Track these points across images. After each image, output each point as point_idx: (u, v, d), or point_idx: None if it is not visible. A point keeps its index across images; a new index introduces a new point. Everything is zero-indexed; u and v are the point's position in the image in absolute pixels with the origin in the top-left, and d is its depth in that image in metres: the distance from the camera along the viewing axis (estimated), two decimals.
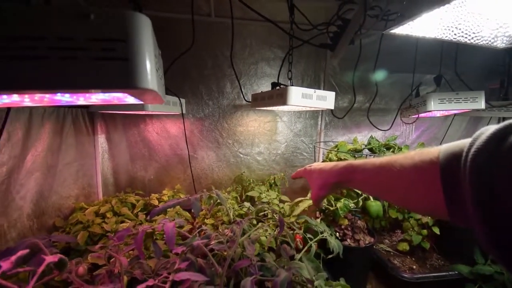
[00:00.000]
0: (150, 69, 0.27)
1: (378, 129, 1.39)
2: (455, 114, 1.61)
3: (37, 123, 0.93)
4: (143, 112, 1.16)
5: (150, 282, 0.44)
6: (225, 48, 1.36)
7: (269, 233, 0.93)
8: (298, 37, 1.12)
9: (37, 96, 0.34)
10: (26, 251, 0.40)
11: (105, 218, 1.05)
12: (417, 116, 1.31)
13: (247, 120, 1.50)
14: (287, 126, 1.56)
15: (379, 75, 1.48)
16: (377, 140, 1.14)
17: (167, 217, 1.06)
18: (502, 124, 0.28)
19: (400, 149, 1.06)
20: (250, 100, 1.34)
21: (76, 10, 0.24)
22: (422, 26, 0.64)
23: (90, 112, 1.24)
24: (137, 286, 0.49)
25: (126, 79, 0.26)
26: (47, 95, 0.34)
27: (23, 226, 0.88)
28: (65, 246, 0.91)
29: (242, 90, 1.41)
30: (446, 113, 1.43)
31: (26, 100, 0.38)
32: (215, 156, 1.50)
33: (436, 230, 1.10)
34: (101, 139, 1.32)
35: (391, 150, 1.08)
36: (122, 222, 1.06)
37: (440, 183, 0.32)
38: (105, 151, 1.35)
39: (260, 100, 1.12)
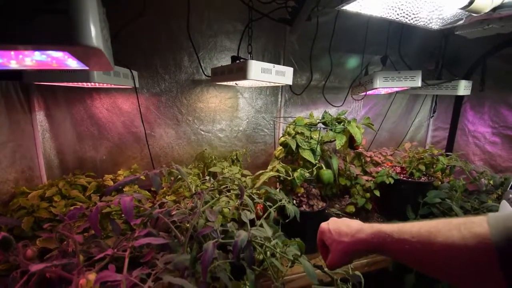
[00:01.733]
0: (94, 24, 0.25)
1: (332, 105, 1.48)
2: (396, 92, 1.79)
3: None
4: (89, 85, 1.06)
5: (109, 251, 0.43)
6: (180, 19, 1.27)
7: (231, 205, 0.96)
8: (258, 9, 1.11)
9: None
10: None
11: (52, 202, 0.97)
12: (365, 93, 1.43)
13: (208, 96, 1.47)
14: (248, 103, 1.57)
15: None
16: (330, 115, 1.22)
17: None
18: None
19: (349, 122, 1.16)
20: (210, 75, 1.31)
21: None
22: (370, 5, 0.68)
23: (24, 85, 1.08)
24: (94, 264, 0.48)
25: (66, 33, 0.23)
26: None
27: None
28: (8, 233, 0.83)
29: (202, 64, 1.36)
30: (389, 90, 1.58)
31: None
32: (175, 133, 1.45)
33: (377, 193, 1.26)
34: (40, 116, 1.18)
35: (341, 123, 1.17)
36: (73, 205, 0.99)
37: (498, 265, 0.28)
38: (45, 130, 1.20)
39: (220, 75, 1.10)
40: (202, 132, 1.51)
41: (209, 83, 1.44)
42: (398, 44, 1.52)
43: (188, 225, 0.71)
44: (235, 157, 1.46)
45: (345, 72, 1.70)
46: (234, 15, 1.38)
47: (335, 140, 1.11)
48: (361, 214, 1.35)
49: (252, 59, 0.98)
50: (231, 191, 1.03)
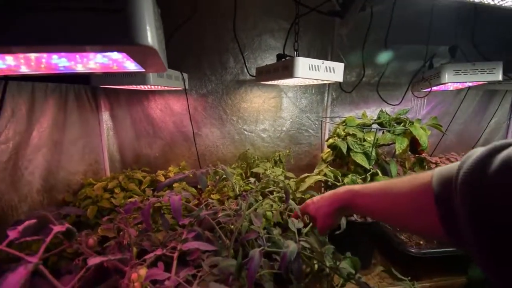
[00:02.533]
0: (149, 24, 0.25)
1: (388, 103, 1.34)
2: (469, 88, 1.55)
3: (41, 99, 0.92)
4: (145, 88, 1.14)
5: (159, 252, 0.44)
6: (226, 19, 1.29)
7: (275, 208, 0.94)
8: (305, 4, 1.05)
9: (33, 61, 0.32)
10: (33, 221, 0.40)
11: (113, 193, 1.06)
12: (429, 89, 1.26)
13: (251, 96, 1.46)
14: (292, 102, 1.52)
15: (384, 57, 1.41)
16: (388, 114, 1.10)
17: (173, 191, 1.07)
18: (488, 146, 0.29)
19: (411, 123, 1.02)
20: (255, 75, 1.30)
21: None
22: None
23: (93, 88, 1.21)
24: (146, 255, 0.50)
25: (123, 33, 0.23)
26: (44, 60, 0.32)
27: (33, 201, 0.89)
28: (75, 220, 0.93)
29: (246, 64, 1.36)
30: (460, 86, 1.37)
31: (22, 67, 0.36)
32: (219, 133, 1.48)
33: None
34: (105, 116, 1.31)
35: (401, 124, 1.04)
36: (130, 197, 1.08)
37: (435, 208, 0.34)
38: (110, 128, 1.34)
39: (265, 74, 1.08)
40: (246, 132, 1.52)
41: (253, 83, 1.43)
42: (471, 31, 1.30)
43: (232, 226, 0.70)
44: (278, 158, 1.43)
45: (403, 66, 1.53)
46: (279, 12, 1.35)
47: (393, 143, 1.00)
48: None
49: (299, 56, 0.94)
50: (274, 193, 1.00)
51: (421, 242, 1.06)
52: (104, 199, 1.01)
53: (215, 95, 1.42)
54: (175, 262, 0.44)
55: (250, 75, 1.38)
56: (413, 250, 0.98)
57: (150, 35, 0.25)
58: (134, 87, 1.06)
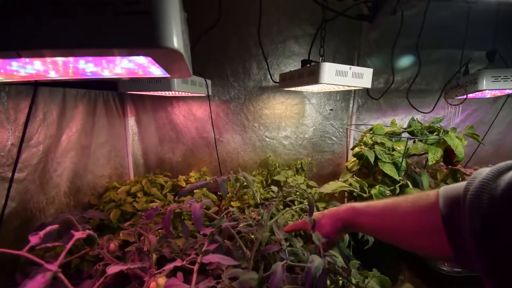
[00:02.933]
0: (175, 26, 0.24)
1: (419, 111, 1.26)
2: (508, 95, 1.42)
3: (71, 105, 0.96)
4: (170, 94, 1.16)
5: (178, 263, 0.43)
6: (251, 26, 1.29)
7: (296, 218, 0.90)
8: (332, 8, 1.03)
9: (61, 66, 0.32)
10: (55, 226, 0.40)
11: (136, 197, 1.08)
12: (465, 96, 1.16)
13: (274, 103, 1.45)
14: (315, 109, 1.48)
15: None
16: (419, 123, 1.03)
17: (194, 198, 1.07)
18: (493, 167, 0.29)
19: (446, 132, 0.95)
20: (278, 81, 1.28)
21: None
22: None
23: (120, 95, 1.26)
24: (165, 265, 0.49)
25: (149, 35, 0.22)
26: (71, 65, 0.32)
27: (60, 203, 0.93)
28: (99, 223, 0.95)
29: (270, 70, 1.35)
30: (498, 93, 1.26)
31: (51, 72, 0.37)
32: (241, 139, 1.48)
33: None
34: (131, 121, 1.35)
35: (435, 133, 0.97)
36: (152, 201, 1.09)
37: (443, 229, 0.33)
38: (135, 133, 1.38)
39: (288, 80, 1.06)
40: (267, 139, 1.49)
41: (275, 90, 1.42)
42: (511, 35, 1.20)
43: (252, 236, 0.68)
44: (299, 166, 1.39)
45: (436, 72, 1.44)
46: (304, 18, 1.33)
47: (425, 153, 0.92)
48: None
49: (325, 61, 0.90)
50: (296, 202, 0.97)
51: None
52: (127, 203, 1.02)
53: (238, 101, 1.42)
54: (195, 275, 0.42)
55: (273, 81, 1.37)
56: (445, 268, 0.90)
57: (176, 39, 0.24)
58: (159, 93, 1.09)
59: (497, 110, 1.53)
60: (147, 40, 0.22)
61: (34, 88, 0.74)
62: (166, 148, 1.44)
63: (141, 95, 1.27)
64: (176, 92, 1.06)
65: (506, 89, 1.12)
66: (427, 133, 0.97)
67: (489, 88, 1.07)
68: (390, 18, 1.09)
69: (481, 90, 1.08)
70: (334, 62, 1.37)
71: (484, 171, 0.30)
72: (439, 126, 1.00)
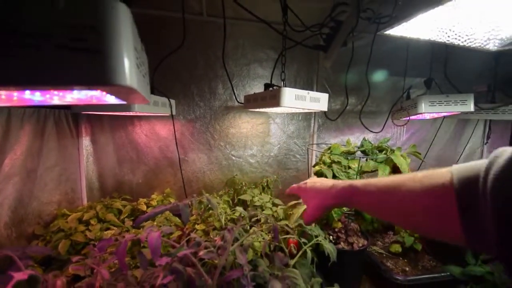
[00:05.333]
0: (128, 63, 0.24)
1: (370, 131, 1.38)
2: (444, 117, 1.64)
3: (16, 125, 0.88)
4: (131, 113, 1.12)
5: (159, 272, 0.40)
6: (217, 48, 1.33)
7: (263, 238, 0.90)
8: (291, 38, 1.11)
9: (3, 94, 0.30)
10: None
11: (89, 225, 1.00)
12: (408, 118, 1.32)
13: (240, 122, 1.47)
14: (280, 128, 1.54)
15: (377, 76, 1.50)
16: (370, 142, 1.13)
17: (155, 223, 1.02)
18: None
19: (392, 151, 1.06)
20: (243, 102, 1.31)
21: None
22: (416, 28, 0.63)
23: (74, 113, 1.18)
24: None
25: (99, 74, 0.22)
26: (15, 93, 0.30)
27: (0, 235, 0.82)
28: (45, 256, 0.86)
29: (235, 91, 1.38)
30: (435, 115, 1.44)
31: None
32: (207, 158, 1.46)
33: None
34: (86, 141, 1.26)
35: (383, 152, 1.07)
36: (107, 229, 1.01)
37: (457, 209, 0.31)
38: (90, 154, 1.29)
39: (252, 102, 1.10)
40: (233, 157, 1.50)
41: (241, 109, 1.45)
42: (444, 65, 1.41)
43: (216, 261, 0.66)
44: (265, 184, 1.41)
45: (384, 96, 1.61)
46: (267, 43, 1.41)
47: (376, 171, 1.01)
48: (409, 254, 1.18)
49: (286, 86, 0.96)
50: (262, 219, 0.98)
51: (407, 269, 1.06)
52: (78, 232, 0.94)
53: (203, 120, 1.42)
54: None
55: (238, 102, 1.40)
56: (399, 278, 0.97)
57: (129, 75, 0.24)
58: (118, 113, 1.04)
59: (436, 129, 1.74)
60: (95, 79, 0.22)
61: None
62: (125, 169, 1.36)
63: (98, 114, 1.21)
64: (137, 112, 1.03)
65: (441, 112, 1.29)
66: (377, 152, 1.07)
67: (427, 111, 1.22)
68: (342, 49, 1.20)
69: (421, 113, 1.23)
70: (295, 84, 1.49)
71: (507, 151, 0.28)
72: (387, 145, 1.11)
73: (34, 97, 0.32)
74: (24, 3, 0.19)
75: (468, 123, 1.81)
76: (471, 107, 1.22)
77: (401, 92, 1.43)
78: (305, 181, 0.65)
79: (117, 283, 0.56)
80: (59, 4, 0.21)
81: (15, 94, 0.30)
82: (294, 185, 0.69)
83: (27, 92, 0.30)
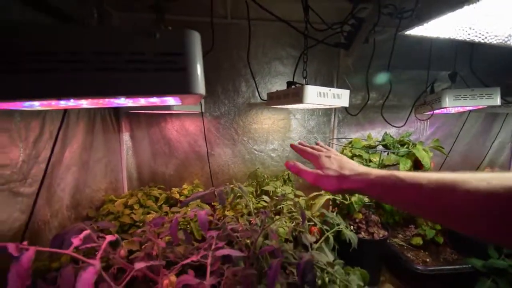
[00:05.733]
0: (200, 77, 0.33)
1: (392, 125, 1.40)
2: (470, 111, 1.61)
3: (73, 122, 1.02)
4: (165, 112, 1.24)
5: (194, 257, 0.50)
6: (239, 49, 1.41)
7: (287, 226, 0.98)
8: (312, 36, 1.16)
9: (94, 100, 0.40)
10: (88, 231, 0.47)
11: (132, 209, 1.13)
12: (431, 113, 1.32)
13: (262, 118, 1.55)
14: (300, 124, 1.60)
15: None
16: (391, 137, 1.16)
17: (189, 209, 1.13)
18: None
19: (414, 145, 1.08)
20: (265, 99, 1.39)
21: (145, 30, 0.29)
22: (436, 27, 0.67)
23: (116, 111, 1.32)
24: (172, 268, 0.56)
25: (185, 86, 0.31)
26: (107, 100, 0.40)
27: (63, 216, 0.97)
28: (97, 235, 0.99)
29: (258, 89, 1.46)
30: (461, 109, 1.43)
31: (84, 102, 0.45)
32: (231, 152, 1.56)
33: None
34: (126, 136, 1.41)
35: (405, 146, 1.10)
36: (148, 213, 1.14)
37: None
38: (129, 148, 1.43)
39: (275, 99, 1.17)
40: (256, 152, 1.59)
41: (263, 106, 1.53)
42: (469, 58, 1.39)
43: (248, 241, 0.76)
44: (286, 176, 1.49)
45: (407, 90, 1.61)
46: (288, 42, 1.47)
47: (397, 164, 1.05)
48: (430, 248, 1.21)
49: (307, 83, 1.02)
50: (284, 208, 1.05)
51: (427, 260, 1.08)
52: (125, 215, 1.07)
53: (228, 117, 1.51)
54: (209, 268, 0.50)
55: (261, 99, 1.48)
56: (419, 267, 1.00)
57: (201, 85, 0.33)
58: (154, 111, 1.16)
59: (462, 123, 1.71)
60: (182, 89, 0.31)
61: (63, 113, 0.81)
62: (159, 162, 1.49)
63: (136, 112, 1.34)
64: (174, 110, 1.15)
65: (466, 106, 1.28)
66: (399, 146, 1.10)
67: (451, 105, 1.22)
68: (364, 45, 1.24)
69: (445, 107, 1.23)
70: (315, 81, 1.54)
71: None
72: (409, 140, 1.14)
73: (119, 100, 0.42)
74: (136, 38, 0.28)
75: (497, 118, 1.76)
76: (498, 101, 1.21)
77: (425, 86, 1.43)
78: (333, 152, 0.57)
79: (167, 254, 0.66)
80: (156, 36, 0.29)
81: (106, 100, 0.40)
82: (314, 147, 0.61)
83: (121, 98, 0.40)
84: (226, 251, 0.51)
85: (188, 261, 0.50)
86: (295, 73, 1.26)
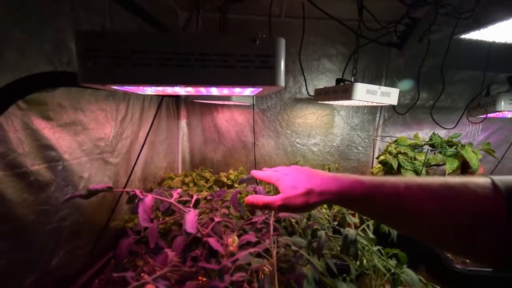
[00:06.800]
0: (284, 73, 0.43)
1: (442, 127, 1.37)
2: None
3: (147, 107, 1.20)
4: (219, 102, 1.38)
5: (262, 217, 0.61)
6: (290, 46, 1.48)
7: (326, 213, 1.06)
8: (364, 36, 1.19)
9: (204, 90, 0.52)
10: (179, 190, 0.60)
11: (188, 186, 1.30)
12: (485, 116, 1.27)
13: (306, 113, 1.62)
14: (344, 120, 1.63)
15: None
16: (440, 137, 1.15)
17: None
18: None
19: (463, 146, 1.07)
20: (312, 95, 1.45)
21: (249, 37, 0.40)
22: (493, 32, 0.67)
23: (177, 100, 1.50)
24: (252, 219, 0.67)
25: (275, 79, 0.41)
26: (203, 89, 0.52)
27: (135, 186, 1.16)
28: None
29: (307, 85, 1.52)
30: None
31: (181, 90, 0.58)
32: (274, 144, 1.66)
33: None
34: (183, 123, 1.59)
35: (453, 147, 1.09)
36: (201, 191, 1.30)
37: (506, 225, 0.29)
38: (185, 134, 1.62)
39: (323, 94, 1.23)
40: (298, 145, 1.66)
41: (308, 101, 1.59)
42: None
43: (293, 219, 0.85)
44: (327, 170, 1.55)
45: (461, 91, 1.55)
46: (338, 39, 1.51)
47: (443, 164, 1.05)
48: None
49: (356, 81, 1.07)
50: None
51: (467, 261, 1.07)
52: (183, 190, 1.24)
53: (274, 110, 1.61)
54: (272, 226, 0.61)
55: (309, 94, 1.54)
56: (458, 267, 1.00)
57: (284, 79, 0.43)
58: (211, 101, 1.31)
59: None
60: (272, 82, 0.41)
61: (160, 98, 0.99)
62: (209, 148, 1.66)
63: (193, 101, 1.51)
64: (226, 101, 1.28)
65: None
66: (446, 146, 1.10)
67: (507, 109, 1.17)
68: (417, 44, 1.23)
69: (500, 111, 1.18)
70: (363, 78, 1.56)
71: None
72: (457, 140, 1.12)
73: (210, 90, 0.54)
74: (245, 43, 0.39)
75: None
76: None
77: (480, 88, 1.37)
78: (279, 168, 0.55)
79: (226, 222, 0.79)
80: (256, 42, 0.40)
81: (203, 89, 0.52)
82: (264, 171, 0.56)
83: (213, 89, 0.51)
84: (287, 214, 0.61)
85: (250, 223, 0.61)
86: (345, 70, 1.30)
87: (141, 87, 0.54)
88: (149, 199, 0.50)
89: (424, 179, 0.36)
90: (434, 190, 0.34)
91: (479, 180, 0.32)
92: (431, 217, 0.34)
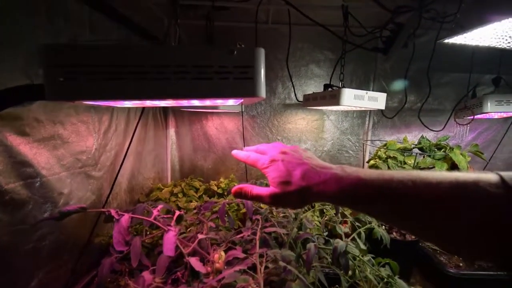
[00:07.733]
0: (263, 83, 0.41)
1: (430, 129, 1.38)
2: None
3: (132, 118, 1.17)
4: (208, 110, 1.36)
5: (246, 233, 0.59)
6: (277, 52, 1.48)
7: (319, 221, 1.04)
8: (351, 41, 1.20)
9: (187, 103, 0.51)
10: (162, 205, 0.58)
11: (177, 197, 1.26)
12: (472, 117, 1.28)
13: (296, 118, 1.61)
14: (334, 125, 1.63)
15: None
16: (428, 140, 1.16)
17: (227, 199, 1.23)
18: None
19: (451, 149, 1.08)
20: (301, 100, 1.45)
21: (227, 48, 0.39)
22: (476, 36, 0.68)
23: (164, 109, 1.47)
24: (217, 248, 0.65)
25: (254, 91, 0.39)
26: (195, 102, 0.50)
27: (121, 199, 1.12)
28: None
29: (295, 90, 1.52)
30: (504, 115, 1.36)
31: (170, 102, 0.56)
32: None
33: None
34: (171, 132, 1.56)
35: (442, 150, 1.10)
36: (190, 201, 1.27)
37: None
38: (173, 143, 1.59)
39: (312, 100, 1.23)
40: None
41: (298, 107, 1.59)
42: None
43: (284, 230, 0.83)
44: None
45: (447, 93, 1.57)
46: (325, 45, 1.51)
47: (433, 167, 1.05)
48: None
49: (344, 87, 1.07)
50: (315, 206, 1.11)
51: (461, 265, 1.07)
52: (171, 201, 1.21)
53: (264, 116, 1.60)
54: (258, 242, 0.58)
55: (297, 100, 1.54)
56: (452, 270, 1.00)
57: (263, 90, 0.41)
58: (198, 109, 1.29)
59: (506, 129, 1.62)
60: (251, 93, 0.40)
61: (141, 109, 0.96)
62: (199, 156, 1.63)
63: (181, 110, 1.48)
64: (219, 110, 1.26)
65: (509, 111, 1.23)
66: (435, 149, 1.10)
67: (493, 111, 1.19)
68: (402, 49, 1.24)
69: (486, 112, 1.20)
70: (351, 83, 1.57)
71: None
72: (446, 143, 1.13)
73: (191, 102, 0.52)
74: (222, 54, 0.37)
75: None
76: None
77: (466, 90, 1.39)
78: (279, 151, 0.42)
79: (214, 235, 0.76)
80: (234, 53, 0.38)
81: (193, 102, 0.50)
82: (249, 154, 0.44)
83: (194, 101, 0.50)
84: (273, 229, 0.59)
85: (239, 237, 0.59)
86: (332, 76, 1.30)
87: (119, 101, 0.52)
88: (125, 219, 0.47)
89: (432, 175, 0.33)
90: (444, 189, 0.31)
91: (490, 177, 0.30)
92: (441, 218, 0.31)
